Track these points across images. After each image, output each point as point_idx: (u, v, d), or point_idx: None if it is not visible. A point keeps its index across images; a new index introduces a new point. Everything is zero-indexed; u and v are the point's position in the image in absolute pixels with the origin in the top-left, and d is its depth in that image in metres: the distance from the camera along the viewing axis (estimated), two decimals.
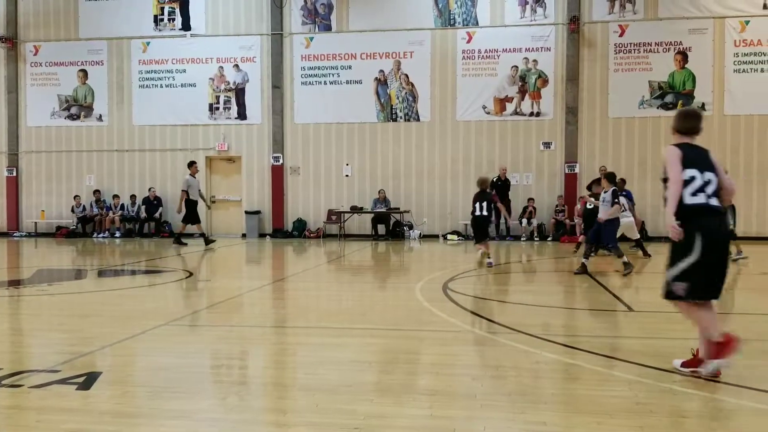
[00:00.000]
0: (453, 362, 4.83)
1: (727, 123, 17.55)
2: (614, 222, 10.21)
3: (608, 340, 4.95)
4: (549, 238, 17.74)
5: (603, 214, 9.96)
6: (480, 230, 11.02)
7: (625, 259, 9.86)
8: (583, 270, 9.85)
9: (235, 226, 19.68)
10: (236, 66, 19.54)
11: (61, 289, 8.57)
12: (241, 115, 19.61)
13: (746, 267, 11.37)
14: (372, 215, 18.66)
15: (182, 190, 15.61)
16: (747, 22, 17.36)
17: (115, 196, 19.80)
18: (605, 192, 10.16)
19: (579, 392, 4.05)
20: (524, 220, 17.92)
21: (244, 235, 19.21)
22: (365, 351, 5.12)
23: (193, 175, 15.74)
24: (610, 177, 10.33)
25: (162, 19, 19.91)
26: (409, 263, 13.00)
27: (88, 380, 4.16)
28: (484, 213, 10.80)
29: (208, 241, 15.67)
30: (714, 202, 4.20)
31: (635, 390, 4.02)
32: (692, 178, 4.17)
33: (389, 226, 18.70)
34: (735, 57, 17.47)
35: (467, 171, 18.35)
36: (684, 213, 4.16)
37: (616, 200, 9.92)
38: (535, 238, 17.72)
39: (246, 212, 19.29)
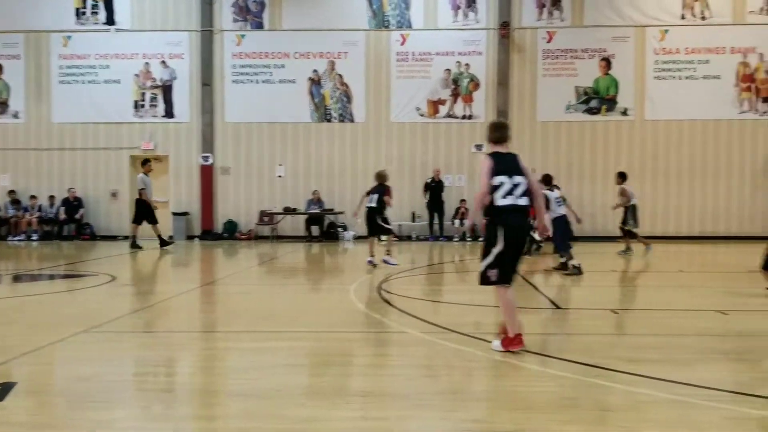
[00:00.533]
0: (386, 363, 4.83)
1: (647, 128, 18.42)
2: (559, 225, 10.05)
3: (536, 338, 5.07)
4: (480, 239, 18.05)
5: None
6: (370, 223, 11.06)
7: (574, 262, 9.86)
8: (576, 271, 9.76)
9: (161, 228, 18.98)
10: (163, 62, 18.93)
11: None
12: (168, 113, 19.02)
13: (657, 262, 11.96)
14: (306, 216, 18.49)
15: (140, 189, 15.20)
16: (666, 31, 18.27)
17: (33, 197, 18.79)
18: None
19: (509, 389, 4.14)
20: (457, 221, 18.21)
21: (171, 238, 18.57)
22: (297, 354, 5.04)
23: (146, 173, 15.30)
24: (546, 179, 10.67)
25: (84, 13, 19.06)
26: (343, 264, 12.95)
27: (1, 391, 3.91)
28: (373, 205, 10.89)
29: (134, 246, 15.03)
30: (522, 201, 4.87)
31: (562, 385, 4.14)
32: (501, 184, 4.82)
33: (323, 227, 18.58)
34: (655, 64, 18.35)
35: (401, 172, 18.46)
36: (494, 212, 4.85)
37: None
38: (468, 239, 18.05)
39: (173, 213, 18.69)
